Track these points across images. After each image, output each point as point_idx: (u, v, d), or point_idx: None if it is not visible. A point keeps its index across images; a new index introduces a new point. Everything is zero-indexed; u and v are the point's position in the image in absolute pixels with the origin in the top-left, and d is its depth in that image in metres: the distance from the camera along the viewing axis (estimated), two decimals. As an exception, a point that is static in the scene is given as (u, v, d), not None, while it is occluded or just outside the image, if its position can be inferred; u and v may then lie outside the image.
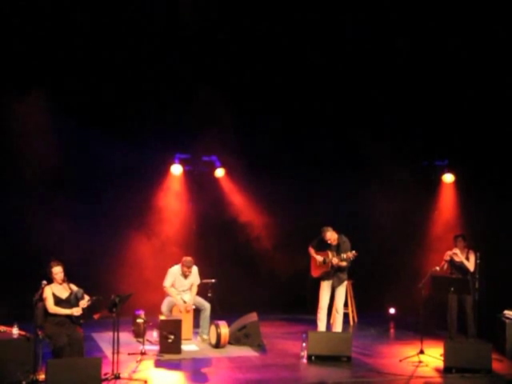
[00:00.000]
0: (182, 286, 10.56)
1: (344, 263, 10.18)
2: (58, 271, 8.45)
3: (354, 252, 10.08)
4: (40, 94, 10.62)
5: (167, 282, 10.51)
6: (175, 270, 10.57)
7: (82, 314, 8.39)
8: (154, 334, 10.22)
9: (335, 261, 10.15)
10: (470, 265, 10.12)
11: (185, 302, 10.44)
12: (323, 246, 10.37)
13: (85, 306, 8.39)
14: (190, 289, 10.61)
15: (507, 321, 9.85)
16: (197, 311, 10.60)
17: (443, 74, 11.50)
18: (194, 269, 10.65)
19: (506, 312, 9.99)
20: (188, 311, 10.44)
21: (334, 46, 11.55)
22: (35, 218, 11.04)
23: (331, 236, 10.30)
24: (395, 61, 11.65)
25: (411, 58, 11.54)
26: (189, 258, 10.55)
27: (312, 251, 10.53)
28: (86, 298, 8.47)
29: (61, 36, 10.64)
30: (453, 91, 11.51)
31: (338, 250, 10.26)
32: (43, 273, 8.41)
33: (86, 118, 11.15)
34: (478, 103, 11.39)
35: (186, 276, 10.54)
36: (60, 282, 8.45)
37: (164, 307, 10.38)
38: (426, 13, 10.99)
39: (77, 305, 8.39)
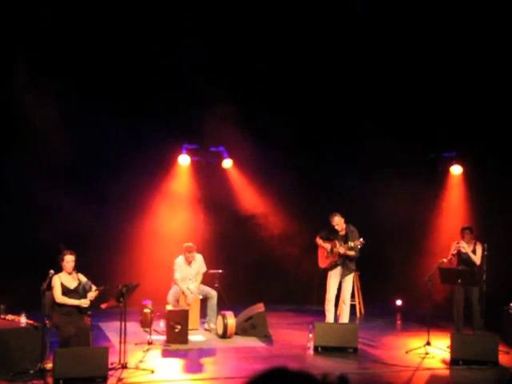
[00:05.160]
0: (187, 275, 10.56)
1: (352, 252, 10.14)
2: (69, 260, 8.42)
3: (361, 240, 10.00)
4: (50, 80, 10.64)
5: (177, 275, 10.48)
6: (179, 260, 10.58)
7: (89, 305, 8.41)
8: (160, 324, 10.25)
9: (342, 250, 10.12)
10: (477, 258, 10.10)
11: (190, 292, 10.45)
12: (331, 237, 10.35)
13: (93, 297, 8.40)
14: (196, 278, 10.63)
15: (514, 313, 9.85)
16: (204, 300, 10.62)
17: (452, 63, 11.45)
18: (199, 256, 10.64)
19: (512, 304, 9.99)
20: (194, 300, 10.46)
21: (338, 38, 11.52)
22: (44, 207, 11.07)
23: (339, 221, 10.24)
24: (401, 51, 11.60)
25: (418, 47, 11.49)
26: (189, 243, 10.56)
27: (320, 241, 10.50)
28: (94, 288, 8.48)
29: (72, 22, 10.65)
30: (461, 80, 11.45)
31: (345, 239, 10.22)
32: (52, 262, 8.43)
33: (94, 109, 11.15)
34: (487, 95, 11.33)
35: (189, 262, 10.53)
36: (69, 271, 8.43)
37: (170, 297, 10.40)
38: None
39: (85, 296, 8.39)
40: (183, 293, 10.39)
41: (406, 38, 11.39)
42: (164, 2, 10.95)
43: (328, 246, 10.33)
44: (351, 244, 10.06)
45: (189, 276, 10.56)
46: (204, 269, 10.70)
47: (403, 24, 11.25)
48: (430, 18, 11.08)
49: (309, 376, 2.60)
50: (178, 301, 10.42)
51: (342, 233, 10.29)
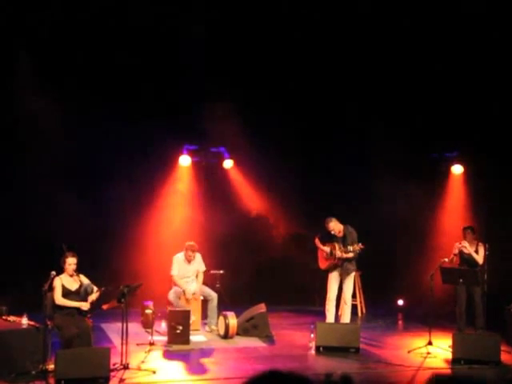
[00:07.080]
0: (186, 273, 10.55)
1: (351, 254, 10.15)
2: (71, 262, 8.42)
3: (360, 245, 10.03)
4: (51, 81, 10.67)
5: (174, 271, 10.50)
6: (179, 256, 10.58)
7: (90, 308, 8.40)
8: (162, 325, 10.24)
9: (339, 253, 10.13)
10: (479, 257, 10.09)
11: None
12: (330, 238, 10.34)
13: (94, 299, 8.39)
14: (196, 277, 10.62)
15: (516, 312, 9.82)
16: (204, 302, 10.62)
17: (454, 64, 11.44)
18: (198, 255, 10.64)
19: (514, 304, 9.97)
20: (195, 299, 10.46)
21: (339, 36, 11.52)
22: (45, 208, 11.08)
23: (335, 226, 10.25)
24: (403, 51, 11.60)
25: (420, 47, 11.49)
26: (192, 242, 10.57)
27: (318, 243, 10.50)
28: (95, 289, 8.47)
29: (72, 22, 10.67)
30: (463, 80, 11.44)
31: (344, 241, 10.22)
32: (55, 263, 8.43)
33: (94, 109, 11.16)
34: (488, 95, 11.32)
35: (189, 261, 10.53)
36: (71, 273, 8.43)
37: (171, 296, 10.39)
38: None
39: (86, 298, 8.38)
40: (184, 291, 10.39)
41: (409, 37, 11.38)
42: (164, 2, 10.95)
43: (327, 248, 10.33)
44: (350, 248, 10.08)
45: (187, 274, 10.55)
46: (203, 268, 10.69)
47: (405, 24, 11.24)
48: (431, 19, 11.08)
49: (302, 378, 2.57)
50: (179, 298, 10.39)
51: (340, 235, 10.29)
